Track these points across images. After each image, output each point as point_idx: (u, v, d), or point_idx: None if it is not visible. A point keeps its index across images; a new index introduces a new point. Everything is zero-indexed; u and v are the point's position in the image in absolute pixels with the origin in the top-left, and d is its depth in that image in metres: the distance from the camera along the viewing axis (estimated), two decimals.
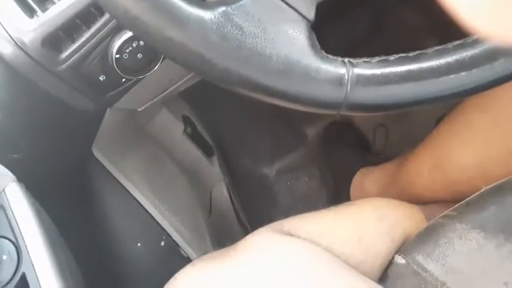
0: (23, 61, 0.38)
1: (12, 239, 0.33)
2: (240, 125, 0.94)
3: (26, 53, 0.38)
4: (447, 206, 0.48)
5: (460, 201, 0.47)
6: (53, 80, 0.40)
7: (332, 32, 0.82)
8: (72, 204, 0.52)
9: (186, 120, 0.82)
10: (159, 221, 0.56)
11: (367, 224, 0.45)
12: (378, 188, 0.71)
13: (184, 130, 0.81)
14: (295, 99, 0.26)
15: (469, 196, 0.46)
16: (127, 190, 0.55)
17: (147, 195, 0.57)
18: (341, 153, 0.86)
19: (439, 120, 0.60)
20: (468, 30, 0.19)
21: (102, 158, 0.55)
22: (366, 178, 0.76)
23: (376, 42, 0.86)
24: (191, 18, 0.23)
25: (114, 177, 0.55)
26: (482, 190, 0.45)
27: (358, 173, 0.78)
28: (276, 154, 0.93)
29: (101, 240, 0.54)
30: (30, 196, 0.35)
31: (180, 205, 0.64)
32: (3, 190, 0.34)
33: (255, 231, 0.44)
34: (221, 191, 0.82)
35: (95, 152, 0.55)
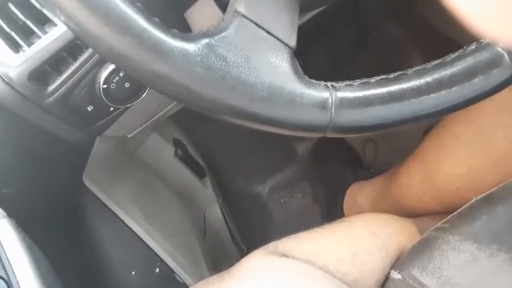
0: (9, 96, 0.38)
1: (4, 276, 0.32)
2: (231, 145, 0.94)
3: (12, 87, 0.38)
4: (439, 217, 0.48)
5: (452, 212, 0.47)
6: (40, 113, 0.40)
7: (317, 50, 0.84)
8: (64, 236, 0.51)
9: (176, 143, 0.82)
10: (153, 248, 0.56)
11: (360, 240, 0.45)
12: (371, 202, 0.72)
13: (175, 153, 0.81)
14: (281, 124, 0.26)
15: (460, 207, 0.47)
16: (119, 218, 0.55)
17: (140, 222, 0.56)
18: (332, 168, 0.87)
19: (426, 131, 0.61)
20: (475, 33, 0.20)
21: (93, 187, 0.55)
22: (358, 193, 0.76)
23: (361, 58, 0.88)
24: (175, 52, 0.24)
25: (105, 206, 0.54)
26: (472, 201, 0.46)
27: (350, 188, 0.79)
28: (268, 172, 0.94)
29: (95, 271, 0.53)
30: (21, 231, 0.34)
31: (174, 230, 0.63)
32: None
33: (250, 254, 0.44)
34: (215, 213, 0.81)
35: (86, 181, 0.55)
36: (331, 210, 0.83)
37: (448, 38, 0.70)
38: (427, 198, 0.57)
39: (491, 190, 0.45)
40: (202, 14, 0.41)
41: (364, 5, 0.86)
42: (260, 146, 0.93)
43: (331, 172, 0.87)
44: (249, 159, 0.94)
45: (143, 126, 0.57)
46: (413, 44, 0.85)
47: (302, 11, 0.29)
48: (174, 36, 0.24)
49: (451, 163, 0.52)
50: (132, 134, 0.56)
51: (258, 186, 0.93)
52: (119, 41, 0.23)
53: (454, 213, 0.46)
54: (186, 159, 0.82)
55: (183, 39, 0.24)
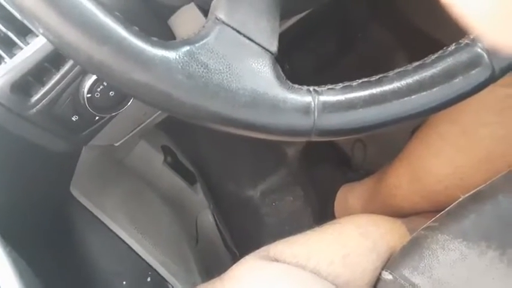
0: None
1: None
2: (221, 150, 0.94)
3: None
4: (428, 216, 0.48)
5: (441, 211, 0.47)
6: (24, 125, 0.39)
7: (302, 54, 0.84)
8: (53, 248, 0.51)
9: (165, 150, 0.82)
10: (143, 257, 0.55)
11: (351, 242, 0.45)
12: (361, 204, 0.72)
13: (165, 160, 0.80)
14: (265, 130, 0.26)
15: (448, 205, 0.47)
16: (108, 228, 0.54)
17: (130, 231, 0.56)
18: (322, 170, 0.87)
19: (414, 131, 0.61)
20: (476, 35, 0.20)
21: (81, 197, 0.54)
22: (348, 195, 0.76)
23: (346, 60, 0.88)
24: (156, 60, 0.23)
25: (94, 216, 0.54)
26: (460, 199, 0.46)
27: (340, 190, 0.79)
28: (258, 176, 0.94)
29: (85, 283, 0.53)
30: (6, 245, 0.34)
31: (165, 238, 0.63)
32: None
33: (241, 260, 0.44)
34: (207, 218, 0.81)
35: (74, 192, 0.54)
36: (322, 213, 0.83)
37: (432, 37, 0.71)
38: (416, 198, 0.58)
39: (478, 188, 0.46)
40: (185, 21, 0.41)
41: (348, 7, 0.87)
42: (250, 150, 0.93)
43: (322, 174, 0.87)
44: (239, 163, 0.94)
45: (130, 134, 0.56)
46: (398, 44, 0.85)
47: (283, 17, 0.29)
48: (154, 44, 0.24)
49: (437, 162, 0.53)
50: (120, 143, 0.56)
51: (249, 191, 0.93)
52: (98, 51, 0.22)
53: (442, 212, 0.47)
54: (176, 166, 0.82)
55: (163, 47, 0.24)
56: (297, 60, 0.82)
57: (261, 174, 0.93)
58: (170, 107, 0.25)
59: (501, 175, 0.45)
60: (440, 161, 0.52)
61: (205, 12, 0.38)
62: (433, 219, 0.47)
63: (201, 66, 0.24)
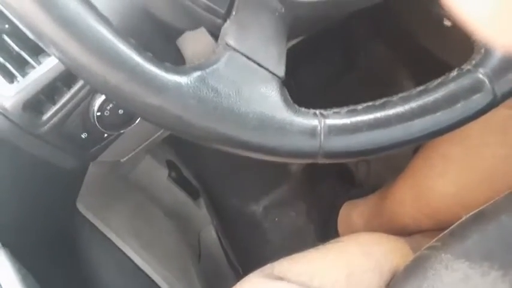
0: (4, 126, 0.38)
1: None
2: (224, 165, 0.94)
3: (7, 117, 0.38)
4: (431, 235, 0.49)
5: (445, 229, 0.47)
6: (35, 142, 0.40)
7: (306, 72, 0.85)
8: (59, 263, 0.51)
9: (170, 165, 0.82)
10: (147, 273, 0.56)
11: (354, 261, 0.46)
12: (364, 221, 0.72)
13: (169, 175, 0.81)
14: (273, 152, 0.27)
15: (451, 224, 0.47)
16: (114, 243, 0.55)
17: (134, 246, 0.56)
18: (325, 186, 0.88)
19: (416, 149, 0.62)
20: (480, 41, 0.21)
21: (87, 212, 0.55)
22: (351, 211, 0.77)
23: (350, 79, 0.89)
24: (169, 85, 0.24)
25: (100, 232, 0.54)
26: (463, 219, 0.46)
27: (343, 207, 0.79)
28: (261, 191, 0.94)
29: None
30: (15, 262, 0.34)
31: (169, 254, 0.63)
32: None
33: (245, 278, 0.44)
34: (210, 235, 0.81)
35: (80, 207, 0.55)
36: (325, 229, 0.83)
37: (436, 56, 0.72)
38: (420, 216, 0.58)
39: (481, 207, 0.46)
40: (193, 41, 0.42)
41: (351, 25, 0.88)
42: (253, 165, 0.94)
43: (325, 190, 0.87)
44: (243, 178, 0.95)
45: (137, 150, 0.57)
46: (401, 63, 0.86)
47: (290, 39, 0.30)
48: (167, 69, 0.25)
49: (441, 182, 0.53)
50: (126, 158, 0.57)
51: (252, 206, 0.93)
52: (114, 77, 0.23)
53: (445, 231, 0.47)
54: (180, 181, 0.82)
55: (175, 72, 0.25)
56: (303, 77, 0.83)
57: (264, 189, 0.94)
58: (180, 129, 0.26)
59: (504, 195, 0.45)
60: (443, 180, 0.53)
61: (213, 34, 0.39)
62: (436, 238, 0.47)
63: (212, 90, 0.25)
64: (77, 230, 0.54)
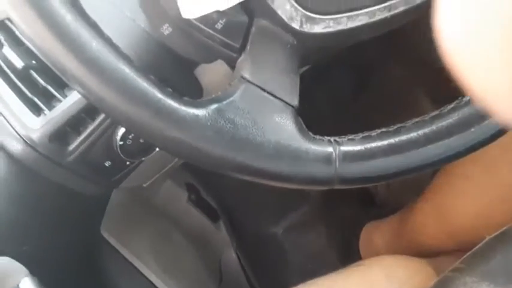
0: (31, 157, 0.40)
1: None
2: (244, 187, 0.95)
3: (34, 149, 0.40)
4: (455, 256, 0.48)
5: (467, 250, 0.47)
6: (61, 171, 0.42)
7: (319, 95, 0.86)
8: None
9: (189, 187, 0.83)
10: None
11: (376, 284, 0.45)
12: (386, 242, 0.71)
13: (189, 198, 0.82)
14: (289, 180, 0.27)
15: (474, 245, 0.46)
16: (136, 268, 0.55)
17: (156, 272, 0.57)
18: (345, 207, 0.87)
19: (434, 170, 0.62)
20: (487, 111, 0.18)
21: (111, 238, 0.56)
22: (373, 233, 0.76)
23: (364, 100, 0.89)
24: (188, 118, 0.25)
25: (123, 257, 0.55)
26: (486, 239, 0.46)
27: (364, 229, 0.78)
28: (281, 213, 0.94)
29: None
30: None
31: (190, 277, 0.64)
32: (17, 286, 0.34)
33: None
34: (230, 257, 0.81)
35: (103, 233, 0.56)
36: (347, 251, 0.82)
37: (452, 78, 0.72)
38: (442, 236, 0.57)
39: (504, 228, 0.45)
40: (211, 70, 0.43)
41: (364, 47, 0.89)
42: (273, 188, 0.93)
43: (345, 211, 0.87)
44: (262, 200, 0.95)
45: (158, 174, 0.58)
46: (416, 84, 0.86)
47: (301, 67, 0.31)
48: (186, 104, 0.26)
49: (462, 202, 0.53)
50: (148, 183, 0.58)
51: (272, 228, 0.93)
52: (136, 113, 0.24)
53: (469, 253, 0.46)
54: (199, 203, 0.83)
55: (194, 105, 0.26)
56: (316, 101, 0.84)
57: (284, 211, 0.93)
58: (198, 159, 0.27)
59: None
60: (465, 200, 0.52)
61: (230, 64, 0.40)
62: (459, 260, 0.46)
63: (228, 122, 0.26)
64: (101, 256, 0.55)
